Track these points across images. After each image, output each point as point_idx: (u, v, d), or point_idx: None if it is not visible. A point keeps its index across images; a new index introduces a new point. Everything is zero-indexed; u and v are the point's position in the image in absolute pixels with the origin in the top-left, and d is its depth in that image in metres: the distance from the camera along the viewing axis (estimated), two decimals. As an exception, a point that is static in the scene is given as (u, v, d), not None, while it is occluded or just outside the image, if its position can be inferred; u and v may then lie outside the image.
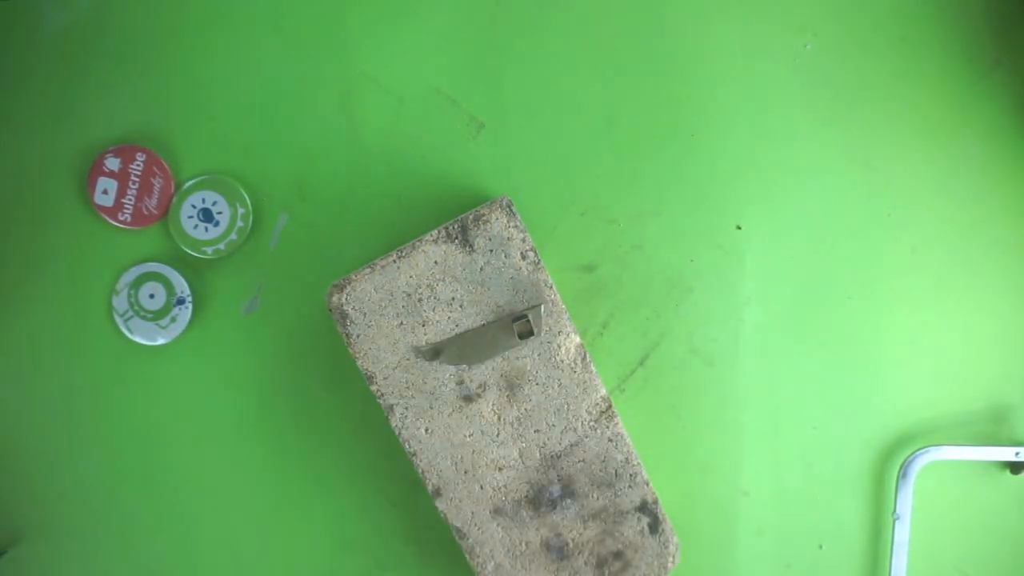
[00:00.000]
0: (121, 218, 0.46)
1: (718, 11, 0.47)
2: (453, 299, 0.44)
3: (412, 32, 0.47)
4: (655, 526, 0.45)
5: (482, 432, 0.44)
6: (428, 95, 0.47)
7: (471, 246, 0.43)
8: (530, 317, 0.43)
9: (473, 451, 0.45)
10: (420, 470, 0.45)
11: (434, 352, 0.43)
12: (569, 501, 0.45)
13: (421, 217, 0.47)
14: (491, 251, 0.43)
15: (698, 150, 0.48)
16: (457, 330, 0.44)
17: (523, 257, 0.44)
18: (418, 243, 0.43)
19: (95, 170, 0.46)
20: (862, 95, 0.48)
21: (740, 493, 0.49)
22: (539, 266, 0.44)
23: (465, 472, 0.45)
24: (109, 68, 0.47)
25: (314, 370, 0.48)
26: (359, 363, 0.44)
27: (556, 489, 0.45)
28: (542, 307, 0.43)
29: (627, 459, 0.45)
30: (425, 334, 0.44)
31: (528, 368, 0.44)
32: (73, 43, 0.47)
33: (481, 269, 0.44)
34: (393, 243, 0.47)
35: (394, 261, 0.43)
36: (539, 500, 0.45)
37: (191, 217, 0.47)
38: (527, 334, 0.43)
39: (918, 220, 0.48)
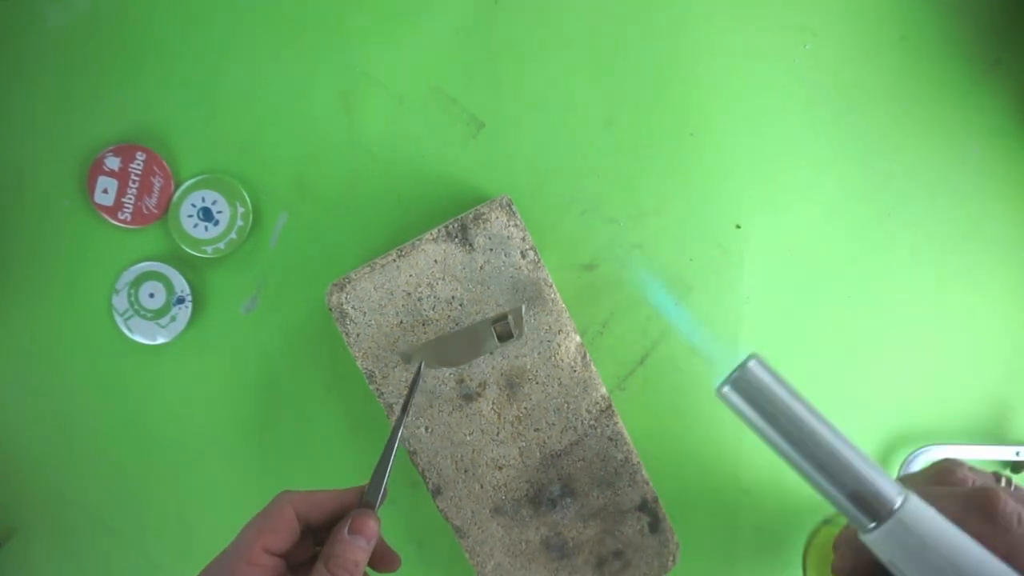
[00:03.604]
0: (121, 217, 0.46)
1: (717, 11, 0.47)
2: (453, 298, 0.44)
3: (412, 32, 0.47)
4: (655, 525, 0.45)
5: (482, 431, 0.44)
6: (428, 94, 0.47)
7: (471, 245, 0.43)
8: (510, 318, 0.42)
9: (473, 450, 0.45)
10: (420, 469, 0.45)
11: (407, 356, 0.43)
12: (569, 500, 0.45)
13: (421, 216, 0.47)
14: (491, 250, 0.43)
15: (698, 149, 0.48)
16: (457, 329, 0.44)
17: (523, 256, 0.44)
18: (418, 242, 0.43)
19: (95, 169, 0.46)
20: (862, 95, 0.48)
21: (740, 492, 0.49)
22: (539, 265, 0.44)
23: (465, 471, 0.45)
24: (109, 67, 0.47)
25: (314, 369, 0.48)
26: (359, 362, 0.44)
27: (556, 488, 0.45)
28: (523, 308, 0.43)
29: (627, 458, 0.45)
30: (425, 333, 0.44)
31: (528, 367, 0.44)
32: (73, 42, 0.47)
33: (481, 268, 0.44)
34: (393, 242, 0.47)
35: (394, 260, 0.43)
36: (539, 499, 0.45)
37: (191, 216, 0.47)
38: (507, 336, 0.43)
39: (918, 220, 0.48)
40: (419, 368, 0.42)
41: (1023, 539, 0.28)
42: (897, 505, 0.28)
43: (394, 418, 0.44)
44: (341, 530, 0.34)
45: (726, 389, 0.30)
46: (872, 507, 0.28)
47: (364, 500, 0.36)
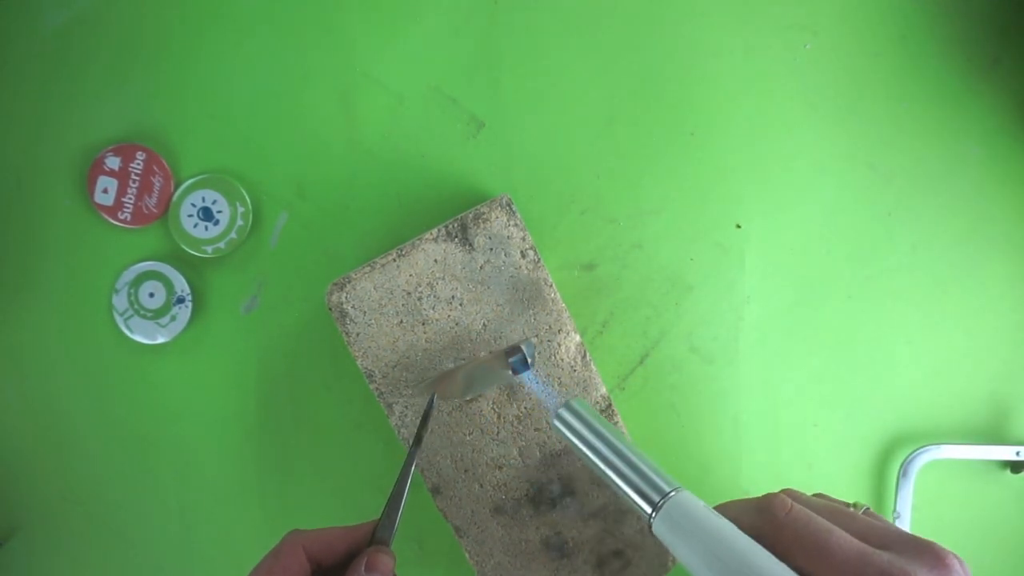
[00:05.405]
0: (121, 217, 0.46)
1: (718, 10, 0.47)
2: (453, 297, 0.44)
3: (412, 32, 0.47)
4: (655, 525, 0.45)
5: (482, 431, 0.44)
6: (428, 94, 0.47)
7: (471, 244, 0.43)
8: (524, 349, 0.42)
9: (473, 449, 0.45)
10: (419, 468, 0.45)
11: (419, 388, 0.43)
12: (569, 500, 0.45)
13: (421, 216, 0.47)
14: (491, 249, 0.43)
15: (698, 149, 0.48)
16: (457, 329, 0.44)
17: (523, 256, 0.44)
18: (418, 241, 0.43)
19: (95, 169, 0.46)
20: (862, 95, 0.48)
21: (740, 492, 0.49)
22: (539, 265, 0.44)
23: (465, 471, 0.45)
24: (109, 67, 0.47)
25: (314, 369, 0.48)
26: (359, 362, 0.44)
27: (556, 487, 0.45)
28: (534, 339, 0.43)
29: (627, 458, 0.45)
30: (425, 333, 0.44)
31: (528, 367, 0.44)
32: (73, 42, 0.47)
33: (481, 268, 0.44)
34: (393, 242, 0.47)
35: (394, 260, 0.43)
36: (539, 499, 0.45)
37: (191, 216, 0.47)
38: (522, 369, 0.42)
39: (918, 220, 0.48)
40: (431, 400, 0.41)
41: (787, 524, 0.32)
42: (669, 493, 0.34)
43: (393, 418, 0.44)
44: (357, 568, 0.34)
45: (555, 421, 0.39)
46: (650, 498, 0.34)
47: (377, 536, 0.36)
